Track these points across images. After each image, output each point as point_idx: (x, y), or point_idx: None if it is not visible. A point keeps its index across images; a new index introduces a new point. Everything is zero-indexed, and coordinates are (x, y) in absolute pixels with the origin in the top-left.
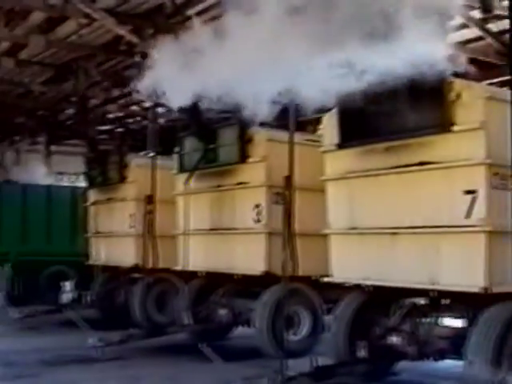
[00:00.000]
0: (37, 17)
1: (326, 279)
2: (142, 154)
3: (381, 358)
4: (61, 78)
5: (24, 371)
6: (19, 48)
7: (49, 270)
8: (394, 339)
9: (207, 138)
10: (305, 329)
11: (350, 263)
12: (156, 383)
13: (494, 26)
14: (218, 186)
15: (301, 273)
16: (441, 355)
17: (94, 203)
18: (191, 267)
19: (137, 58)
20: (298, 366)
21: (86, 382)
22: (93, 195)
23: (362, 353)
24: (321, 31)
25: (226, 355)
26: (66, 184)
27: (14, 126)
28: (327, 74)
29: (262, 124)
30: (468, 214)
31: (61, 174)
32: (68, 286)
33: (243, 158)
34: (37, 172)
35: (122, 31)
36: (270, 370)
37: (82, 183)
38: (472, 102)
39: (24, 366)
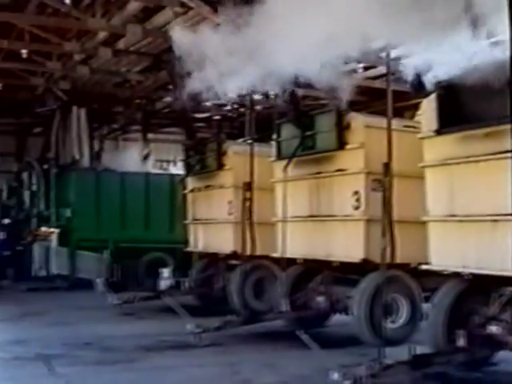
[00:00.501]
0: (133, 6)
1: (424, 267)
2: (239, 141)
3: (480, 347)
4: (157, 67)
5: (121, 356)
6: (116, 38)
7: (147, 257)
8: (494, 329)
9: (305, 124)
10: (403, 317)
11: (449, 251)
12: (254, 369)
13: None
14: (316, 173)
15: (399, 260)
16: None
17: (191, 190)
18: (289, 254)
19: None
20: (396, 354)
21: (183, 368)
22: (191, 182)
23: (460, 342)
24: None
25: (324, 342)
26: (163, 172)
27: (111, 115)
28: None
29: (358, 110)
30: None
31: (158, 161)
32: (166, 272)
33: (341, 144)
34: (135, 160)
35: (217, 19)
36: (368, 358)
37: (179, 171)
38: None
39: (121, 352)
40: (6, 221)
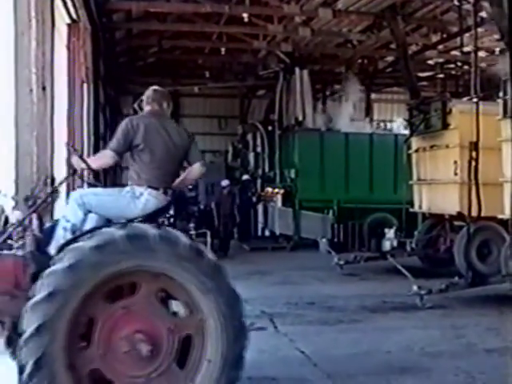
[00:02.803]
0: None
1: None
2: (464, 99)
3: None
4: (379, 26)
5: (345, 316)
6: None
7: (371, 218)
8: None
9: None
10: None
11: None
12: (478, 333)
13: None
14: None
15: None
16: None
17: (416, 151)
18: None
19: (455, 2)
20: None
21: (405, 330)
22: (415, 143)
23: None
24: None
25: None
26: (387, 132)
27: (334, 75)
28: None
29: None
30: None
31: (382, 121)
32: (390, 233)
33: None
34: (358, 120)
35: None
36: None
37: (403, 131)
38: None
39: (345, 312)
40: (245, 177)
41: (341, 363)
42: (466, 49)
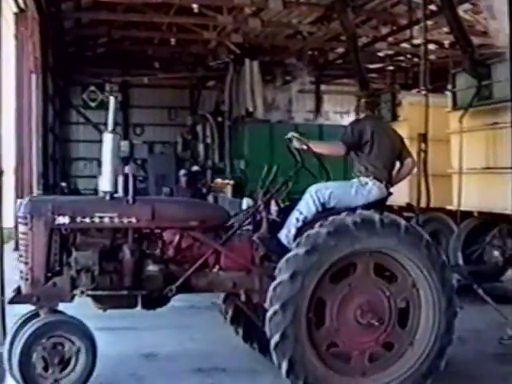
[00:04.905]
0: None
1: None
2: (413, 91)
3: None
4: (329, 18)
5: None
6: None
7: None
8: None
9: (481, 74)
10: None
11: None
12: None
13: None
14: (493, 124)
15: None
16: None
17: None
18: (464, 207)
19: None
20: None
21: None
22: None
23: None
24: None
25: (499, 297)
26: (337, 123)
27: (284, 67)
28: None
29: None
30: None
31: (331, 113)
32: None
33: None
34: (307, 112)
35: None
36: None
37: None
38: None
39: None
40: (195, 168)
41: None
42: (415, 41)
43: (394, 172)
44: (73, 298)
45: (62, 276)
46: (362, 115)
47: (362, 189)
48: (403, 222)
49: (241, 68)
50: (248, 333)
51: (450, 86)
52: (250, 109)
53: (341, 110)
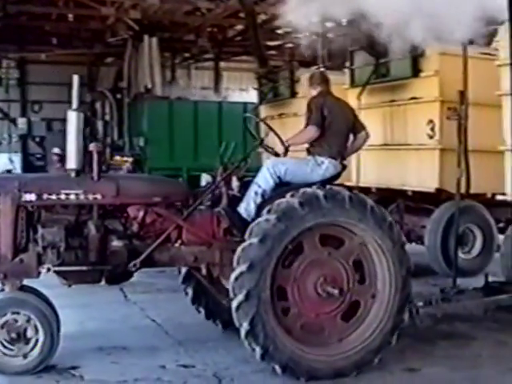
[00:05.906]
0: None
1: (500, 197)
2: (312, 68)
3: None
4: None
5: None
6: None
7: None
8: None
9: (378, 52)
10: (477, 248)
11: None
12: None
13: None
14: (390, 101)
15: (474, 190)
16: None
17: (264, 119)
18: (362, 183)
19: None
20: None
21: None
22: (264, 111)
23: None
24: None
25: None
26: (236, 100)
27: (183, 44)
28: None
29: None
30: None
31: (231, 90)
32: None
33: (415, 72)
34: (207, 89)
35: None
36: (439, 288)
37: (252, 99)
38: None
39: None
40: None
41: (192, 331)
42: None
43: (348, 145)
44: (39, 274)
45: (29, 252)
46: (314, 92)
47: (318, 168)
48: (369, 201)
49: (139, 45)
50: (210, 311)
51: (347, 64)
52: (149, 86)
53: (240, 87)
